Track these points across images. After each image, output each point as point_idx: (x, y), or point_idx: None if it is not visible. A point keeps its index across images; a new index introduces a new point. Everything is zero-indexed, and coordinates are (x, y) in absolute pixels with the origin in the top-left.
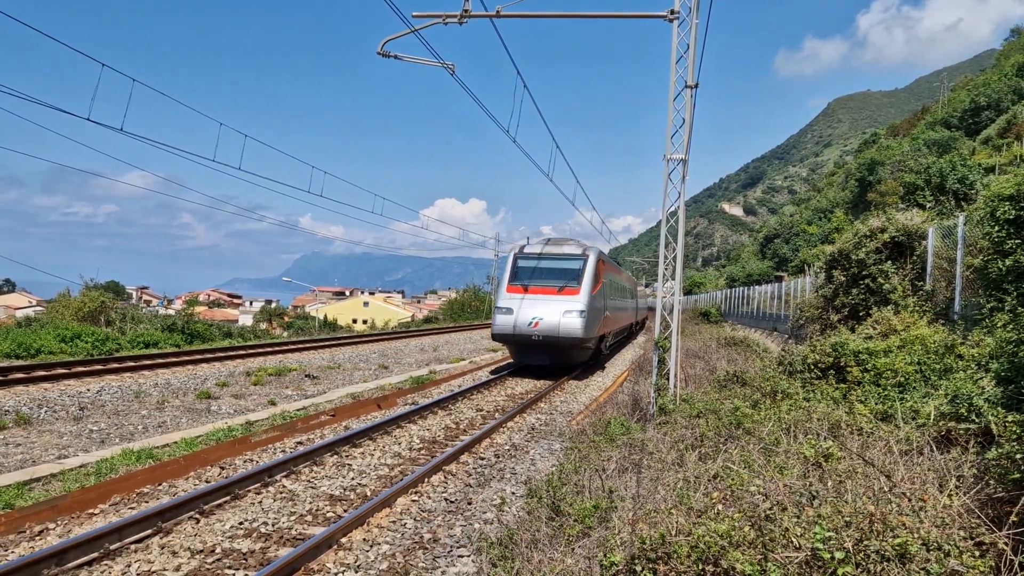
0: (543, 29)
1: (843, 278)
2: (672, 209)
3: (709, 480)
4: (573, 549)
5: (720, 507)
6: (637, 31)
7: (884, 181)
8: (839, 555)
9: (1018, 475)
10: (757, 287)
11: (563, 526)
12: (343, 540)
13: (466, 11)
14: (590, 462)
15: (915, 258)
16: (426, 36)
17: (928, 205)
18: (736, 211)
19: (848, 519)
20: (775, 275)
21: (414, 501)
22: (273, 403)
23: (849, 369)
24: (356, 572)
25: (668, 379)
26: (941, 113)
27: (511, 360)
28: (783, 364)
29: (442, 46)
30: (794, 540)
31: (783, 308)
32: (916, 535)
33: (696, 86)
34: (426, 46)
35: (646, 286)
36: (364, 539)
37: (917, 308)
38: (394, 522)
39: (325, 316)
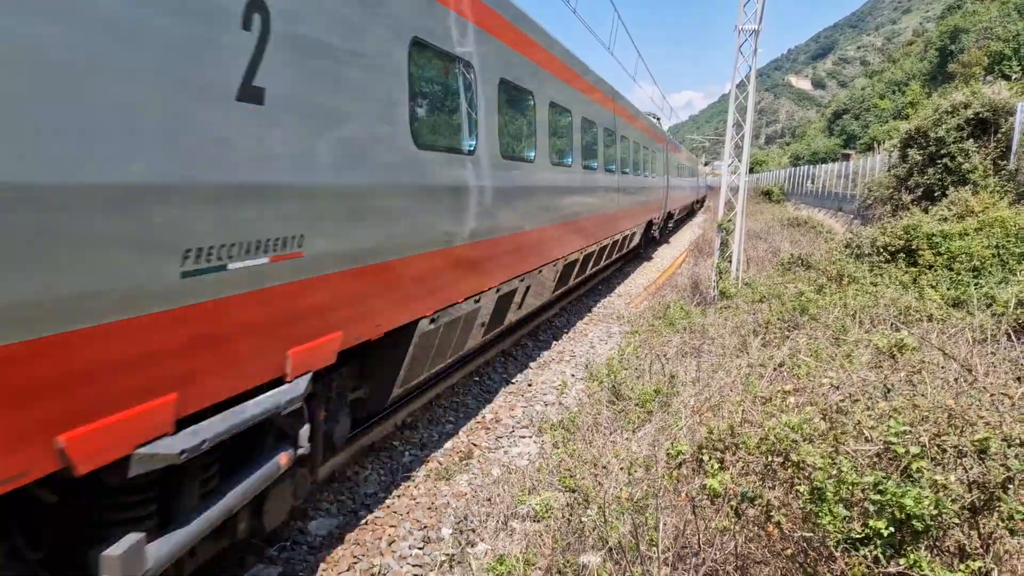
0: None
1: (919, 157)
2: (741, 83)
3: (774, 368)
4: (636, 433)
5: (792, 399)
6: None
7: (968, 50)
8: (914, 450)
9: None
10: (823, 165)
11: (624, 410)
12: None
13: None
14: (650, 346)
15: (999, 136)
16: None
17: (1014, 76)
18: (803, 84)
19: (925, 413)
20: (842, 153)
21: (476, 380)
22: None
23: (921, 252)
24: None
25: (730, 262)
26: None
27: None
28: (850, 247)
29: None
30: (866, 433)
31: (850, 188)
32: (998, 431)
33: None
34: None
35: (705, 164)
36: None
37: (998, 188)
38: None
39: None
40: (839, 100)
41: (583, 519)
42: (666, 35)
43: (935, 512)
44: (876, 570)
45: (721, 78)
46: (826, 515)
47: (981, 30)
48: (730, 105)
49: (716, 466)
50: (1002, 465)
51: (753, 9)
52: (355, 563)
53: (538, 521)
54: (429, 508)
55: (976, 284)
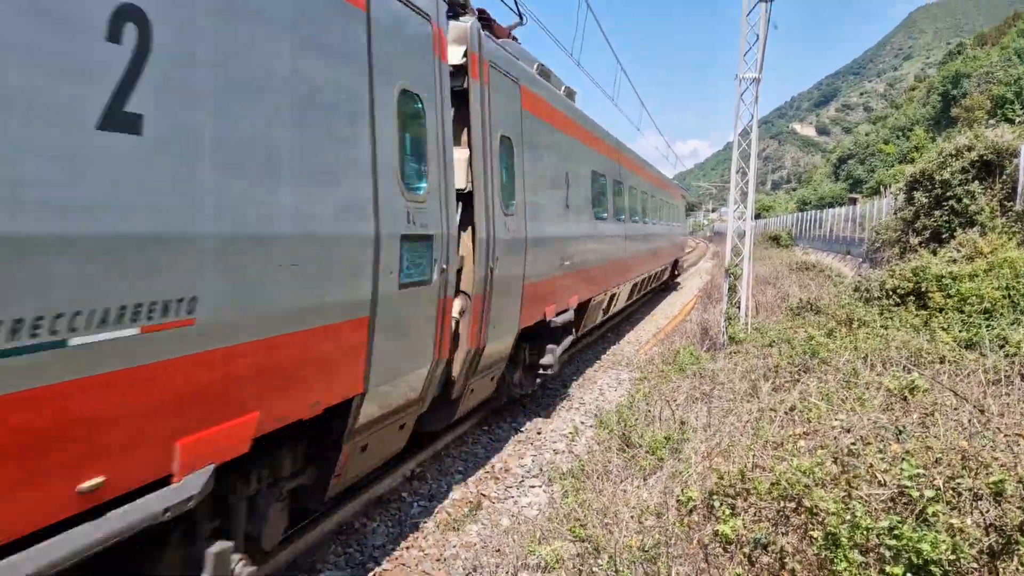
0: None
1: (925, 199)
2: (743, 130)
3: (785, 413)
4: (647, 481)
5: (803, 443)
6: None
7: (970, 95)
8: (929, 493)
9: None
10: (830, 210)
11: (635, 457)
12: None
13: None
14: (660, 392)
15: (1004, 178)
16: None
17: (1018, 119)
18: (808, 131)
19: (939, 455)
20: (849, 197)
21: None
22: None
23: (931, 295)
24: None
25: (739, 307)
26: None
27: None
28: (859, 290)
29: None
30: (879, 476)
31: (857, 231)
32: (1014, 473)
33: (771, 0)
34: None
35: (713, 211)
36: None
37: (1006, 230)
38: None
39: None
40: (844, 145)
41: (594, 569)
42: (670, 86)
43: (952, 557)
44: None
45: (725, 126)
46: (841, 561)
47: (982, 75)
48: (734, 153)
49: (728, 512)
50: (1019, 507)
51: (753, 58)
52: None
53: (548, 572)
54: (438, 559)
55: (988, 326)
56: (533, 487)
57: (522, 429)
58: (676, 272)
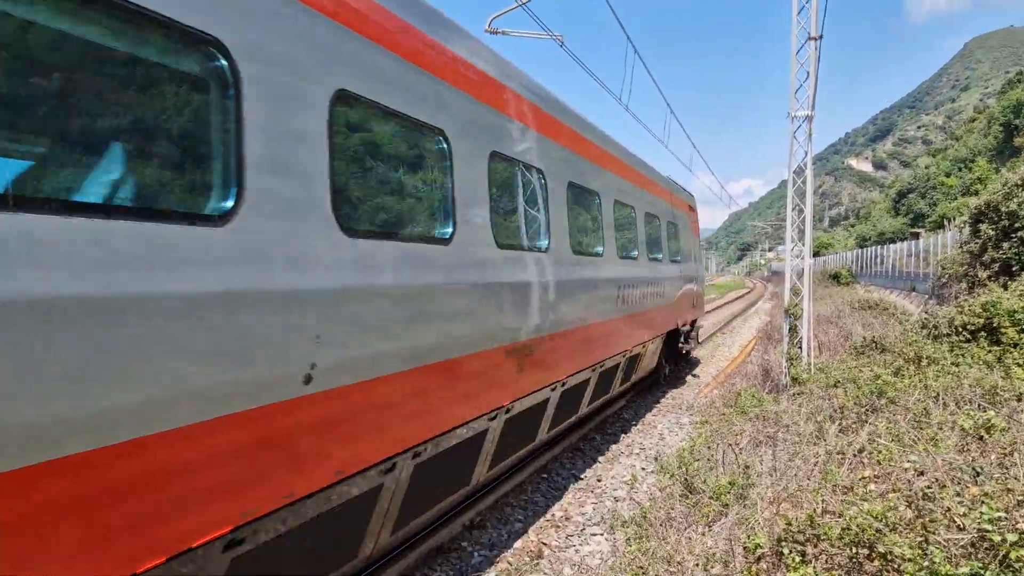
0: None
1: (992, 232)
2: (798, 168)
3: (854, 455)
4: (711, 527)
5: (873, 486)
6: None
7: None
8: (1012, 537)
9: None
10: (891, 245)
11: (698, 503)
12: None
13: None
14: (722, 436)
15: None
16: (533, 9)
17: None
18: (864, 167)
19: (1021, 497)
20: (911, 232)
21: (545, 479)
22: None
23: (1003, 330)
24: None
25: (800, 347)
26: None
27: None
28: (926, 327)
29: (548, 18)
30: (957, 520)
31: (922, 266)
32: None
33: (820, 37)
34: (534, 19)
35: (769, 250)
36: None
37: None
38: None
39: None
40: (903, 180)
41: None
42: (721, 125)
43: None
44: None
45: (779, 164)
46: None
47: None
48: (788, 191)
49: (797, 560)
50: None
51: (805, 95)
52: None
53: None
54: None
55: None
56: (595, 535)
57: (581, 476)
58: (685, 350)
